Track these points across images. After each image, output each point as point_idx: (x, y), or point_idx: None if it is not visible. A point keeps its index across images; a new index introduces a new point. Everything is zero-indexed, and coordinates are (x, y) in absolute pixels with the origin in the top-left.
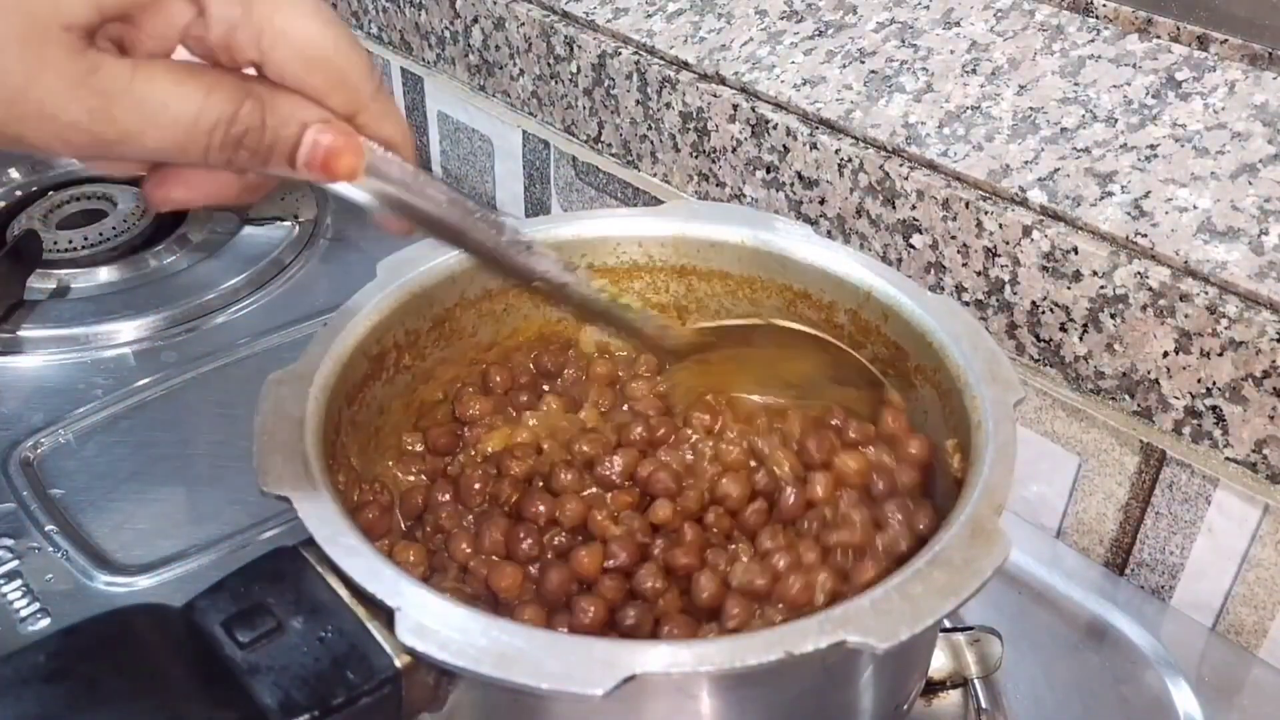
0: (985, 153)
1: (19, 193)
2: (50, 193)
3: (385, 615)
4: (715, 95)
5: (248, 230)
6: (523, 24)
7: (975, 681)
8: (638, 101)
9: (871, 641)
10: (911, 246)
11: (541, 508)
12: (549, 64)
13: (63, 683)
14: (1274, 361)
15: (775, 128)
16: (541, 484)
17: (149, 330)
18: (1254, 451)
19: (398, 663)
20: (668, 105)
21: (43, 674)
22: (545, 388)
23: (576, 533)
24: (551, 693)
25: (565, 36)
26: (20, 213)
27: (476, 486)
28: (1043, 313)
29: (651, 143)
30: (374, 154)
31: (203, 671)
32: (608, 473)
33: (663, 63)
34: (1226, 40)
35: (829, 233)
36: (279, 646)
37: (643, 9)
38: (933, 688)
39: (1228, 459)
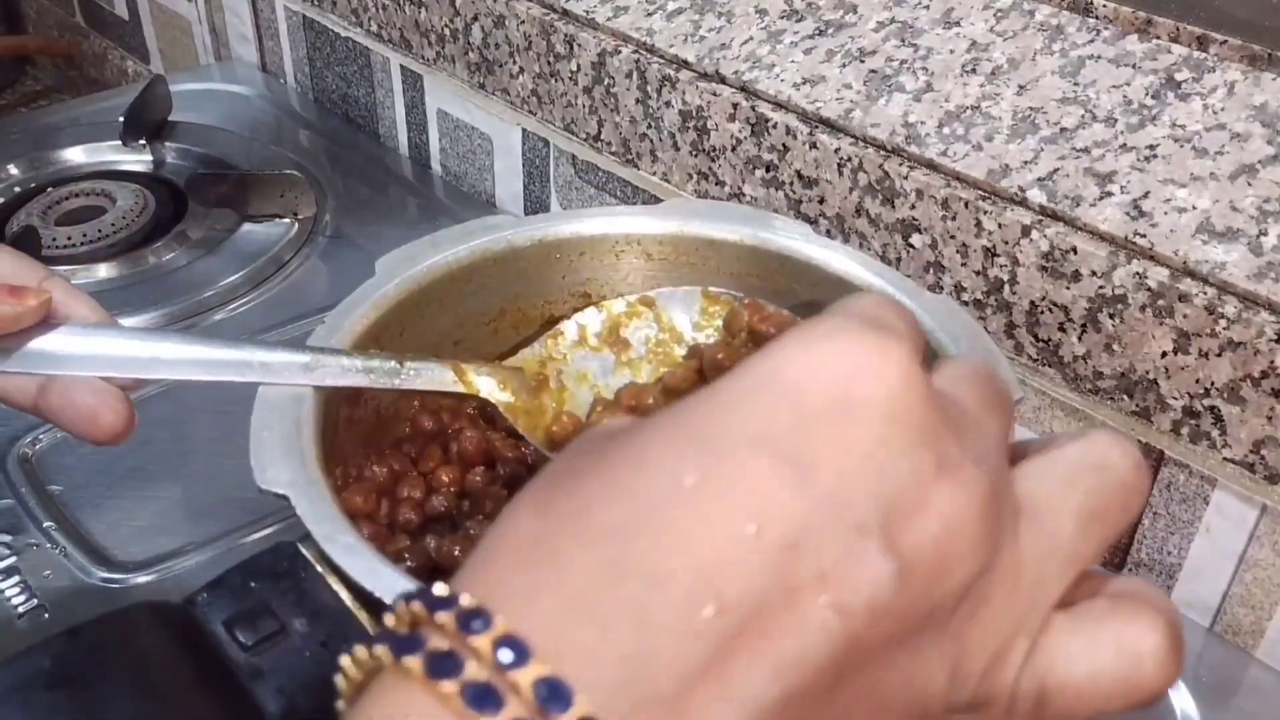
0: (985, 152)
1: (18, 189)
2: (49, 189)
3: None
4: (715, 94)
5: (247, 227)
6: (522, 22)
7: None
8: (637, 100)
9: None
10: (910, 246)
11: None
12: (549, 62)
13: (67, 690)
14: (1272, 362)
15: (775, 127)
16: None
17: (147, 327)
18: (1252, 452)
19: None
20: (667, 104)
21: (47, 679)
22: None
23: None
24: None
25: (565, 35)
26: (19, 209)
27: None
28: (1041, 313)
29: (651, 141)
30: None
31: (206, 675)
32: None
33: (662, 61)
34: (1226, 41)
35: (828, 232)
36: (282, 651)
37: (643, 7)
38: None
39: (1226, 459)
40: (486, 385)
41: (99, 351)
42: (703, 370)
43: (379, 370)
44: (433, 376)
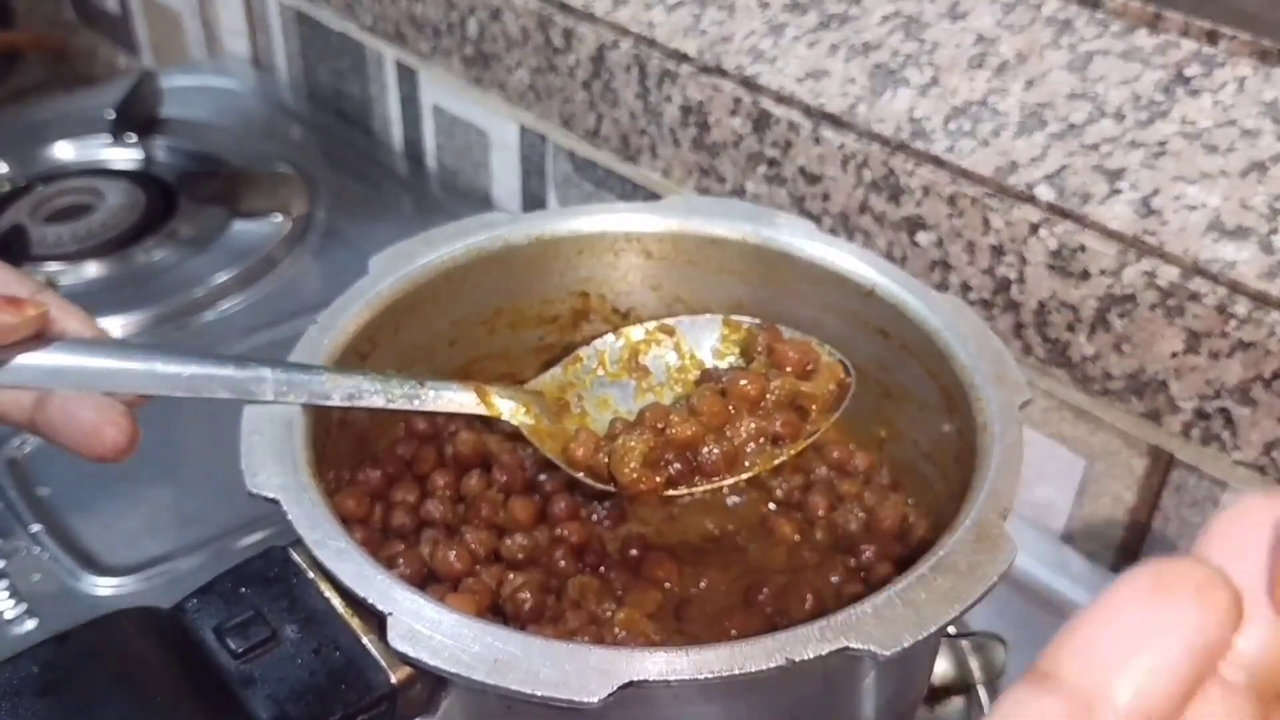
0: (992, 148)
1: (7, 186)
2: (39, 187)
3: (376, 621)
4: (716, 88)
5: (238, 225)
6: (519, 15)
7: (979, 688)
8: (637, 95)
9: (874, 648)
10: (916, 244)
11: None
12: (546, 56)
13: (57, 696)
14: None
15: (778, 122)
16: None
17: (136, 327)
18: (1263, 454)
19: (393, 679)
20: (668, 98)
21: (35, 686)
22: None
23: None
24: (546, 700)
25: (563, 28)
26: (8, 206)
27: (426, 469)
28: (1049, 312)
29: (651, 137)
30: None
31: (196, 682)
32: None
33: (663, 55)
34: (1236, 36)
35: (832, 229)
36: (273, 658)
37: (642, 0)
38: (936, 695)
39: (1236, 462)
40: (508, 408)
41: (96, 365)
42: (725, 392)
43: (398, 392)
44: (454, 398)
